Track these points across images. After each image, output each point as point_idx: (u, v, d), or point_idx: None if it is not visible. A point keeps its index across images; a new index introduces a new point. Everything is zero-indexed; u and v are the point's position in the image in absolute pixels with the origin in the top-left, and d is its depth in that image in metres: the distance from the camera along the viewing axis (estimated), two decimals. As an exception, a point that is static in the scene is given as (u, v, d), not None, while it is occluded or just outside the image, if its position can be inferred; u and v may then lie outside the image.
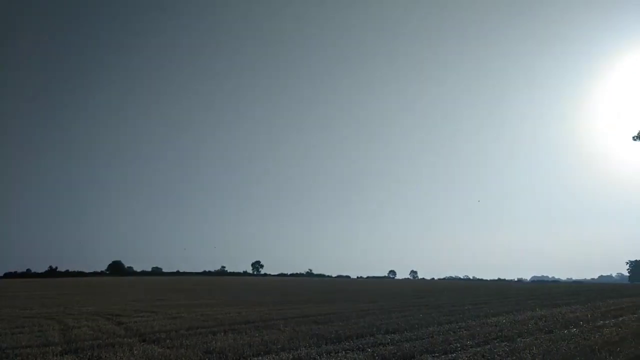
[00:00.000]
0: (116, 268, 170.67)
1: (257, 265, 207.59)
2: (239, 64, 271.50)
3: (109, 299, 34.30)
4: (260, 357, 9.90)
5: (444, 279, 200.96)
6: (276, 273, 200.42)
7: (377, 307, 23.22)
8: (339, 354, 10.01)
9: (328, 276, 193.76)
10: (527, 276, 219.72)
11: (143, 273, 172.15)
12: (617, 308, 22.07)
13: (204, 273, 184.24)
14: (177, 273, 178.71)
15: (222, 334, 13.35)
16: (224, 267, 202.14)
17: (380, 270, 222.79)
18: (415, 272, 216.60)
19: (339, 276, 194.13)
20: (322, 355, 9.90)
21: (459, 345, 11.17)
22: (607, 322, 16.14)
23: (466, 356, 9.76)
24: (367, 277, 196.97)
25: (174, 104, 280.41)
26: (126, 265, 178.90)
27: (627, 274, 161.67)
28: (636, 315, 18.35)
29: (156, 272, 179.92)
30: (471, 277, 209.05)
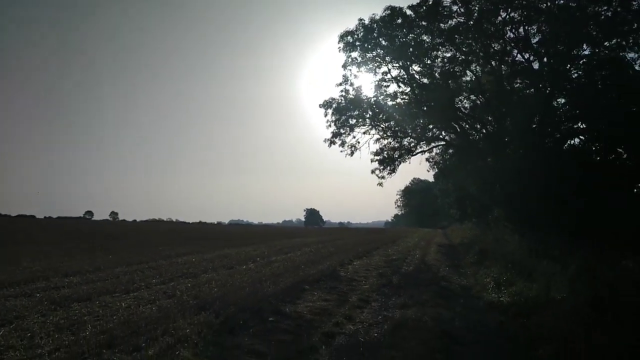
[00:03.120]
0: None
1: None
2: None
3: None
4: None
5: (146, 220, 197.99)
6: None
7: (61, 250, 20.95)
8: (-4, 303, 8.58)
9: (6, 215, 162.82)
10: (226, 219, 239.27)
11: None
12: (289, 246, 26.46)
13: None
14: None
15: None
16: None
17: (76, 211, 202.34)
18: (116, 214, 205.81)
19: (19, 215, 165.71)
20: (-28, 305, 8.28)
21: (143, 284, 11.22)
22: (278, 257, 19.14)
23: (148, 293, 9.89)
24: (58, 218, 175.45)
25: None
26: None
27: (304, 219, 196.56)
28: (300, 252, 22.40)
29: None
30: (174, 220, 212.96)
